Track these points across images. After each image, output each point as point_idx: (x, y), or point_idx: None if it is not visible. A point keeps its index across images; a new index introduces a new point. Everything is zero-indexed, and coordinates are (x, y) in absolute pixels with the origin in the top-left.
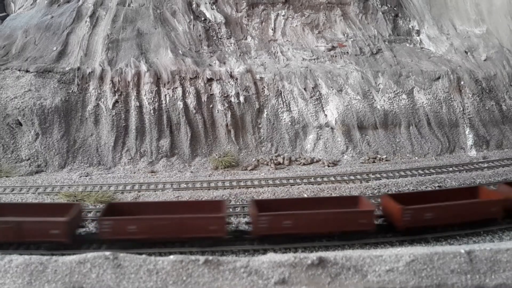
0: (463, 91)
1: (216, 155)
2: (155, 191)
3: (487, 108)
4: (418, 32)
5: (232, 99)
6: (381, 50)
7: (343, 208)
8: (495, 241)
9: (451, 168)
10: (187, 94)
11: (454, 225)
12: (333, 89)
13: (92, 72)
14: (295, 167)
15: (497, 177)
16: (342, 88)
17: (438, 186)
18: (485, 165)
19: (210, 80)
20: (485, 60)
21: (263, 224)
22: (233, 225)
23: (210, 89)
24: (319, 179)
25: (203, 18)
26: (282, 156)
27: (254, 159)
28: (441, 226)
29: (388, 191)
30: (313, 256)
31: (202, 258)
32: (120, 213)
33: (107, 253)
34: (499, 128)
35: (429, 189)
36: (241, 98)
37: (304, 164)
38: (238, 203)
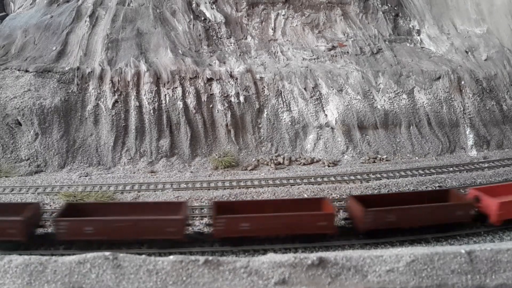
0: (463, 91)
1: (216, 155)
2: (154, 191)
3: (487, 108)
4: (418, 32)
5: (232, 99)
6: (381, 49)
7: (166, 214)
8: (495, 241)
9: (451, 168)
10: (187, 94)
11: (283, 237)
12: (333, 89)
13: (91, 72)
14: (295, 167)
15: (497, 177)
16: (342, 88)
17: (438, 186)
18: (486, 165)
19: (210, 80)
20: (485, 60)
21: (62, 229)
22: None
23: (210, 89)
24: (319, 179)
25: (203, 18)
26: (282, 156)
27: (254, 159)
28: (266, 236)
29: (388, 191)
30: (313, 256)
31: (202, 259)
32: None
33: (107, 253)
34: (500, 128)
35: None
36: (241, 98)
37: (304, 164)
38: None
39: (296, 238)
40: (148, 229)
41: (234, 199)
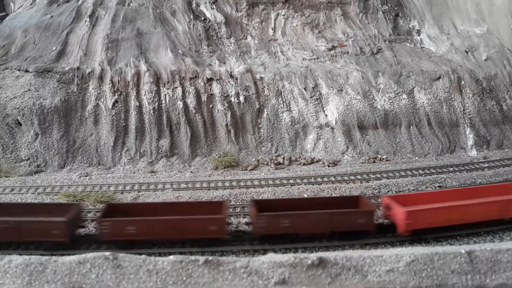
0: (463, 91)
1: (216, 155)
2: (155, 191)
3: (487, 108)
4: (418, 32)
5: (232, 99)
6: (381, 49)
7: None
8: (495, 241)
9: (451, 168)
10: (187, 94)
11: (160, 241)
12: (333, 89)
13: (91, 72)
14: (295, 167)
15: (497, 177)
16: (342, 88)
17: (438, 186)
18: (486, 165)
19: (210, 80)
20: (485, 60)
21: None
22: None
23: (210, 89)
24: (319, 179)
25: (203, 18)
26: (282, 156)
27: (254, 159)
28: (150, 240)
29: (388, 191)
30: (313, 256)
31: (202, 258)
32: None
33: (107, 253)
34: (500, 128)
35: (428, 190)
36: (241, 98)
37: (304, 164)
38: None
39: (194, 242)
40: (31, 230)
41: (131, 202)
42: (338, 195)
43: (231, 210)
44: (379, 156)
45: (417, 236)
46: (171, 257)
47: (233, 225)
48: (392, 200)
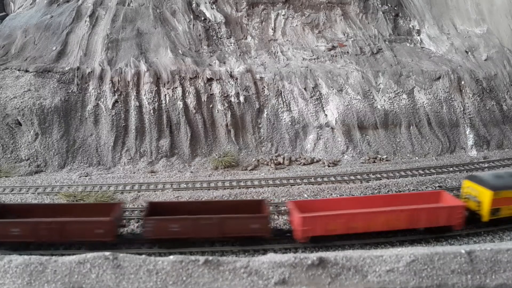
0: (463, 91)
1: (216, 155)
2: (154, 191)
3: (487, 108)
4: (418, 32)
5: (232, 99)
6: (381, 49)
7: None
8: (495, 241)
9: (451, 168)
10: (187, 94)
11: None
12: (333, 89)
13: (91, 72)
14: (295, 167)
15: None
16: (342, 88)
17: (438, 186)
18: (486, 165)
19: (210, 80)
20: (485, 60)
21: None
22: None
23: (210, 89)
24: (319, 179)
25: (203, 18)
26: (282, 156)
27: (254, 159)
28: (36, 242)
29: (388, 191)
30: (313, 256)
31: (202, 259)
32: None
33: (107, 253)
34: (500, 128)
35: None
36: (241, 98)
37: (304, 164)
38: None
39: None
40: None
41: (23, 203)
42: (240, 199)
43: None
44: (379, 156)
45: (316, 243)
46: (171, 257)
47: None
48: (293, 205)
